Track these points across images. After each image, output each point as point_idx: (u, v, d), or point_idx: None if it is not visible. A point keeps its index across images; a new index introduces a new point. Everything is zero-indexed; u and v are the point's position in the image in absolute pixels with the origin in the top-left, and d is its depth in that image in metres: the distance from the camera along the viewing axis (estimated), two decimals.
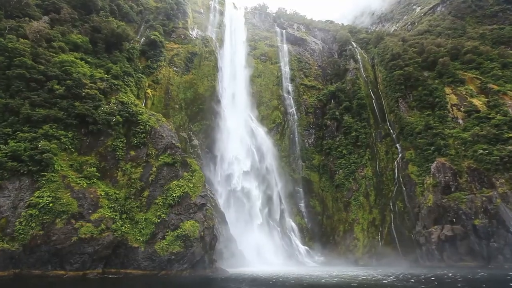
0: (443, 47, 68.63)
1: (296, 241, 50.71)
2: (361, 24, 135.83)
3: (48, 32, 37.91)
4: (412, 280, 26.26)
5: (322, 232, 54.66)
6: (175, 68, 59.58)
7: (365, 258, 46.79)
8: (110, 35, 47.80)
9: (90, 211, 26.60)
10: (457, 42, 70.29)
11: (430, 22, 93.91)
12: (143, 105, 48.70)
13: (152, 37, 58.66)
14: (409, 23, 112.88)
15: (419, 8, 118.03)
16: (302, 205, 57.27)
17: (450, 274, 30.17)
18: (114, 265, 26.73)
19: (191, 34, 67.72)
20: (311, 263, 47.85)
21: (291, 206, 56.15)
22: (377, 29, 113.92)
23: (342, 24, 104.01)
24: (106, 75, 40.72)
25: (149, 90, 52.26)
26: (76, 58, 38.98)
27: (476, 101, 55.02)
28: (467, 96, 56.43)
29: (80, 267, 24.60)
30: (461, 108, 54.72)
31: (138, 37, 61.67)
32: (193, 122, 55.15)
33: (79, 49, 42.66)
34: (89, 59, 42.06)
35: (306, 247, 50.81)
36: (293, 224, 53.05)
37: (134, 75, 48.67)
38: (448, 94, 57.66)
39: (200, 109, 57.40)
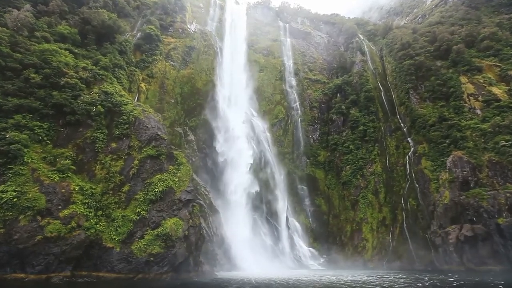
0: (457, 34, 64.01)
1: (300, 242, 47.15)
2: (369, 19, 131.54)
3: (30, 20, 35.95)
4: None
5: (328, 232, 50.83)
6: (172, 63, 57.24)
7: (374, 261, 42.77)
8: (100, 26, 45.78)
9: (59, 207, 23.95)
10: (473, 29, 65.46)
11: (442, 14, 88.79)
12: (136, 99, 46.48)
13: (147, 31, 56.60)
14: (420, 15, 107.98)
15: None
16: (306, 203, 53.63)
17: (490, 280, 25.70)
18: (86, 267, 23.93)
19: (189, 28, 65.44)
20: (315, 266, 44.25)
21: (295, 204, 52.59)
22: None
23: (349, 17, 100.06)
24: (94, 67, 38.52)
25: (142, 84, 49.98)
26: (61, 49, 36.84)
27: (495, 90, 50.71)
28: (485, 85, 52.18)
29: (44, 269, 21.84)
30: (479, 98, 50.72)
31: (135, 32, 59.74)
32: (189, 117, 52.56)
33: (66, 41, 40.57)
34: (76, 51, 39.95)
35: (310, 249, 47.23)
36: (297, 224, 49.48)
37: (126, 68, 46.46)
38: (464, 83, 53.56)
39: (198, 103, 54.86)
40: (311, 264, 44.62)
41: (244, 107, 59.63)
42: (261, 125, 57.95)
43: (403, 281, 26.40)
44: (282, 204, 49.96)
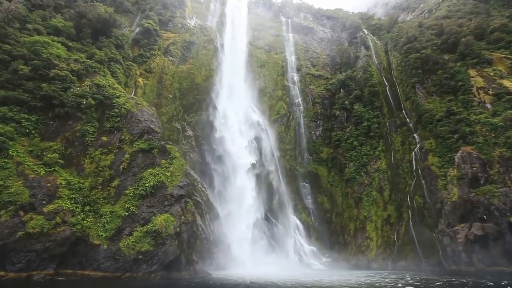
0: (466, 27, 61.70)
1: (301, 240, 45.52)
2: (374, 16, 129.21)
3: (21, 12, 35.05)
4: None
5: (330, 231, 49.06)
6: (170, 58, 56.09)
7: (379, 260, 40.95)
8: (96, 20, 44.85)
9: (44, 202, 22.83)
10: (482, 21, 63.06)
11: (449, 8, 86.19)
12: (133, 93, 45.38)
13: (145, 25, 55.62)
14: (426, 10, 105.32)
15: None
16: (308, 201, 51.89)
17: None
18: (71, 265, 22.75)
19: (188, 23, 64.30)
20: (317, 265, 42.58)
21: (296, 202, 50.92)
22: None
23: (353, 12, 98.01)
24: (87, 60, 37.52)
25: (140, 79, 48.91)
26: (54, 41, 35.88)
27: (507, 83, 48.75)
28: (495, 78, 50.21)
29: (24, 267, 20.73)
30: (489, 91, 48.85)
31: (134, 27, 58.83)
32: (188, 113, 51.25)
33: (60, 34, 39.65)
34: (70, 44, 39.02)
35: (312, 247, 45.53)
36: (298, 222, 47.81)
37: (122, 62, 45.51)
38: (472, 77, 51.62)
39: (197, 99, 53.53)
40: (313, 263, 42.97)
41: (244, 102, 58.19)
42: (263, 122, 56.01)
43: (419, 283, 24.34)
44: (284, 202, 48.50)
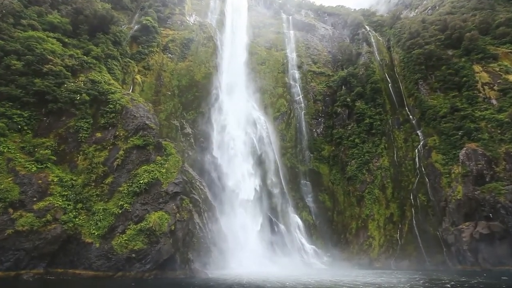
0: (470, 22, 60.47)
1: (302, 239, 44.67)
2: (377, 13, 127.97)
3: (15, 8, 34.50)
4: None
5: (332, 229, 48.16)
6: (169, 55, 55.46)
7: (381, 260, 40.02)
8: (93, 16, 44.22)
9: (34, 199, 22.21)
10: (487, 16, 61.81)
11: (453, 4, 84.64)
12: (131, 90, 44.77)
13: (144, 22, 55.02)
14: (429, 7, 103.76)
15: None
16: (309, 199, 51.01)
17: None
18: (62, 264, 22.10)
19: (188, 20, 63.67)
20: (318, 264, 41.72)
21: (297, 200, 50.07)
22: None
23: (354, 9, 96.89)
24: (83, 56, 36.93)
25: (138, 76, 48.28)
26: (49, 37, 35.31)
27: None
28: (501, 73, 49.17)
29: (13, 266, 20.11)
30: (495, 87, 47.82)
31: (132, 25, 58.31)
32: (187, 110, 50.56)
33: (56, 30, 39.03)
34: (66, 40, 38.43)
35: (313, 246, 44.66)
36: (299, 221, 46.96)
37: (120, 59, 44.86)
38: (477, 72, 50.57)
39: (196, 96, 52.83)
40: (314, 262, 42.10)
41: (244, 100, 57.44)
42: (263, 119, 55.11)
43: (428, 283, 23.12)
44: (284, 200, 47.68)
